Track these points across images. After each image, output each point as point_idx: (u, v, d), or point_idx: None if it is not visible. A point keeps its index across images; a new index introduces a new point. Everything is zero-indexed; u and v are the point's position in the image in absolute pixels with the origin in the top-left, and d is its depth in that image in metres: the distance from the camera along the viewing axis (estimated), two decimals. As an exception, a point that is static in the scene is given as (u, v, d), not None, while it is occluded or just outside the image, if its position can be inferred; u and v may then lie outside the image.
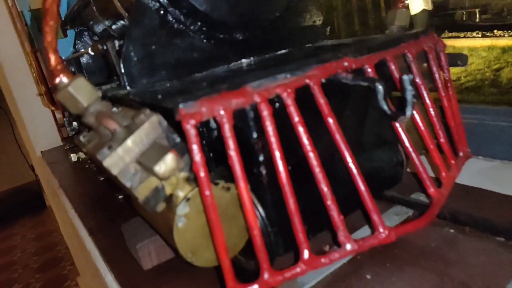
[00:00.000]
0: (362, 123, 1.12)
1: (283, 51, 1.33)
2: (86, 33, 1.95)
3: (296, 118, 0.85)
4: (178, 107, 0.76)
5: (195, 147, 0.74)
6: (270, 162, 0.86)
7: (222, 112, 0.78)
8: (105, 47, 1.15)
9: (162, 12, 1.12)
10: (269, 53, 1.31)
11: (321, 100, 0.88)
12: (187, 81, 1.13)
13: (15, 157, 7.61)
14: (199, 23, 1.15)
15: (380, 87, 0.87)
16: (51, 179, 2.54)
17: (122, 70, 1.07)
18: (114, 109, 0.94)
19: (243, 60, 1.27)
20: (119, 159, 0.76)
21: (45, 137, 3.16)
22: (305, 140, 0.86)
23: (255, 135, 0.90)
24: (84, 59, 1.99)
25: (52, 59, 0.82)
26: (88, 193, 2.06)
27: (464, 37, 9.84)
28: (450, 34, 10.40)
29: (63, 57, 1.98)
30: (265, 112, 0.82)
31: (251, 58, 1.28)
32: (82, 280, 3.90)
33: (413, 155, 0.93)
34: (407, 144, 0.93)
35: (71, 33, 2.00)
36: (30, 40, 2.32)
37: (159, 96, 0.90)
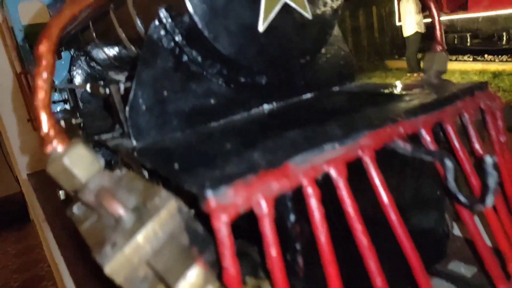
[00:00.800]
0: (410, 192, 0.96)
1: (308, 95, 1.17)
2: (82, 58, 1.75)
3: (348, 202, 0.68)
4: (205, 193, 0.58)
5: (227, 254, 0.56)
6: (308, 250, 0.69)
7: (262, 202, 0.60)
8: (107, 91, 0.97)
9: (177, 52, 0.95)
10: (293, 97, 1.14)
11: (376, 179, 0.72)
12: (203, 133, 0.95)
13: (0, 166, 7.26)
14: (218, 66, 0.98)
15: (450, 165, 0.71)
16: (37, 208, 2.32)
17: (128, 122, 0.89)
18: (117, 171, 0.75)
19: (265, 106, 1.10)
20: (126, 261, 0.58)
21: (33, 159, 2.94)
22: (357, 227, 0.69)
23: (292, 218, 0.73)
24: (77, 78, 1.80)
25: (44, 121, 0.63)
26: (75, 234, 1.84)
27: (456, 60, 9.95)
28: (442, 57, 10.41)
29: (56, 82, 1.79)
30: (312, 198, 0.65)
31: (274, 103, 1.11)
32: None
33: (487, 251, 0.77)
34: (483, 240, 0.77)
35: (66, 54, 1.81)
36: (20, 59, 2.12)
37: (176, 166, 0.72)
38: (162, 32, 0.93)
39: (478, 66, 9.81)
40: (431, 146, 0.80)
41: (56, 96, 1.89)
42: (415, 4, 8.95)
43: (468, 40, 10.19)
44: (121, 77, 1.72)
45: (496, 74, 9.47)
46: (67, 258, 1.65)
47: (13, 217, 7.00)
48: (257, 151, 0.73)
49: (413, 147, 0.75)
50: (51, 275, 5.20)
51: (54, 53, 0.65)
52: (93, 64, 1.72)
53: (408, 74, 10.87)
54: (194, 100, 0.98)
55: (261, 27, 0.93)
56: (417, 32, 9.16)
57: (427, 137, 0.80)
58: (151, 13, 0.97)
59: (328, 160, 0.68)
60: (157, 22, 0.92)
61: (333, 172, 0.68)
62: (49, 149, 0.63)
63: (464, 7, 9.69)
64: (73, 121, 1.15)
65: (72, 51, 1.82)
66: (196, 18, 0.85)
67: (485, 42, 9.98)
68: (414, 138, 0.82)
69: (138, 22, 1.09)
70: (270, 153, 0.70)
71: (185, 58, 0.96)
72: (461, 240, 1.21)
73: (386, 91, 1.09)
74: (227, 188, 0.59)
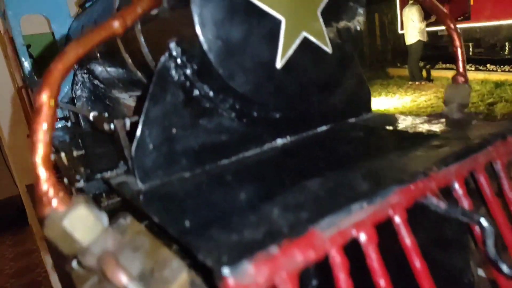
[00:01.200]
0: (433, 238, 0.89)
1: (323, 128, 1.10)
2: (85, 75, 1.69)
3: (379, 272, 0.61)
4: (222, 271, 0.51)
5: None
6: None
7: (286, 280, 0.53)
8: (112, 127, 0.90)
9: (187, 86, 0.88)
10: (308, 130, 1.07)
11: (408, 241, 0.65)
12: (214, 174, 0.88)
13: (-1, 167, 7.15)
14: (231, 101, 0.91)
15: (490, 229, 0.64)
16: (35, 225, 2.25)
17: (134, 163, 0.82)
18: (121, 221, 0.69)
19: (278, 141, 1.03)
20: None
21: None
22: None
23: (314, 283, 0.66)
24: (79, 95, 1.73)
25: (43, 179, 0.56)
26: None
27: (458, 69, 9.88)
28: (444, 66, 10.50)
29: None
30: (341, 272, 0.58)
31: (288, 137, 1.04)
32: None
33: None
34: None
35: None
36: (21, 72, 2.06)
37: (186, 223, 0.65)
38: (173, 67, 0.86)
39: (480, 75, 9.81)
40: (465, 201, 0.73)
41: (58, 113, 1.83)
42: (418, 13, 8.94)
43: (471, 49, 10.19)
44: (125, 95, 1.66)
45: (498, 84, 9.48)
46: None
47: (11, 220, 6.90)
48: (276, 206, 0.66)
49: (448, 205, 0.68)
50: (48, 282, 5.11)
51: (56, 102, 0.58)
52: (96, 82, 1.66)
53: (410, 82, 10.85)
54: (204, 136, 0.91)
55: (278, 64, 0.86)
56: (419, 41, 9.15)
57: (460, 191, 0.74)
58: (159, 42, 0.90)
59: (356, 222, 0.62)
60: (167, 56, 0.85)
61: (362, 237, 0.61)
62: (47, 211, 0.56)
63: (466, 17, 9.70)
64: (75, 153, 1.08)
65: (74, 66, 1.75)
66: (210, 56, 0.78)
67: (487, 51, 9.99)
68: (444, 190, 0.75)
69: (146, 49, 1.02)
70: (291, 211, 0.64)
71: (196, 92, 0.90)
72: (484, 282, 1.13)
73: (407, 127, 1.03)
74: (248, 265, 0.52)
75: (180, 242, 0.62)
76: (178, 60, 0.86)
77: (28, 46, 2.20)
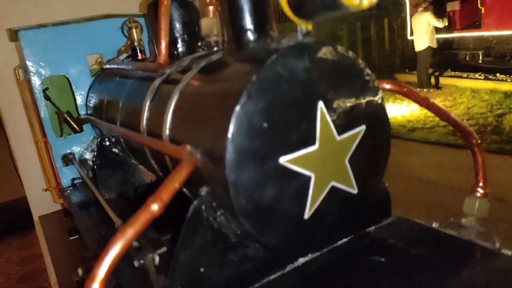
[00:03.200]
0: None
1: (344, 241, 1.12)
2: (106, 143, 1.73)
3: None
4: None
5: None
6: None
7: None
8: (142, 262, 0.93)
9: (216, 226, 0.91)
10: (328, 245, 1.10)
11: None
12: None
13: (7, 168, 7.20)
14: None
15: None
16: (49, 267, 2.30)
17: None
18: None
19: (300, 260, 1.05)
20: None
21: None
22: None
23: None
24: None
25: None
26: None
27: (467, 77, 9.91)
28: (453, 73, 10.44)
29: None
30: None
31: (309, 255, 1.07)
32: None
33: None
34: None
35: None
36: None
37: None
38: (204, 210, 0.89)
39: (489, 85, 9.77)
40: None
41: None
42: (432, 15, 8.90)
43: (480, 58, 10.14)
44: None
45: (507, 95, 9.43)
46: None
47: (17, 222, 6.97)
48: None
49: None
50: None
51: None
52: (115, 150, 1.70)
53: (418, 89, 10.84)
54: (231, 269, 0.94)
55: (306, 215, 0.88)
56: (429, 47, 9.12)
57: None
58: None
59: None
60: (198, 203, 0.87)
61: None
62: None
63: (477, 26, 9.64)
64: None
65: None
66: (241, 219, 0.81)
67: (497, 60, 9.93)
68: None
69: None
70: None
71: (223, 230, 0.92)
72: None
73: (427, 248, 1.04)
74: None
75: None
76: (209, 206, 0.88)
77: (45, 89, 2.23)
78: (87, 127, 2.07)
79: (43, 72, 1.94)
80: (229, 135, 0.76)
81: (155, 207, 0.71)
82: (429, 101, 1.12)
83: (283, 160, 0.82)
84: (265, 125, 0.79)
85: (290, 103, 0.82)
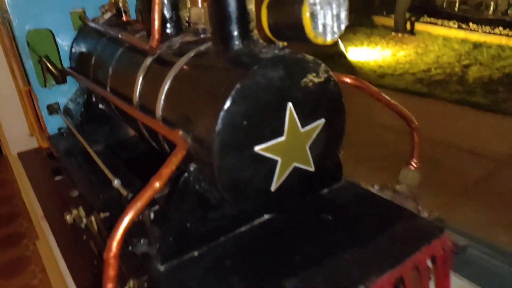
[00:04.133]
0: None
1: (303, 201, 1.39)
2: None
3: None
4: None
5: None
6: None
7: None
8: (140, 217, 1.16)
9: (200, 192, 1.15)
10: (289, 206, 1.36)
11: None
12: (216, 252, 1.18)
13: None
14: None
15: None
16: (34, 204, 2.53)
17: (158, 252, 1.11)
18: None
19: (265, 216, 1.32)
20: None
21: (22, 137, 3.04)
22: None
23: None
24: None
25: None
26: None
27: (442, 25, 10.01)
28: (428, 20, 10.51)
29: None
30: None
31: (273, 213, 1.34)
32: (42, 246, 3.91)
33: None
34: None
35: None
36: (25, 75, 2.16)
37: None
38: (191, 181, 1.12)
39: (461, 34, 9.88)
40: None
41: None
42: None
43: (457, 5, 10.18)
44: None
45: (476, 45, 9.59)
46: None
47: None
48: None
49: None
50: (26, 212, 5.38)
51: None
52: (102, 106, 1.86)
53: (393, 34, 10.84)
54: (210, 224, 1.20)
55: (273, 188, 1.14)
56: (406, -9, 9.09)
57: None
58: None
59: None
60: (187, 176, 1.10)
61: None
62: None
63: (457, -29, 9.50)
64: (102, 215, 1.34)
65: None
66: (223, 192, 1.05)
67: (473, 9, 10.00)
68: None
69: (165, 145, 1.26)
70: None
71: (206, 195, 1.17)
72: None
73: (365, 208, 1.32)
74: None
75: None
76: (196, 178, 1.11)
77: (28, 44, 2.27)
78: (70, 78, 2.18)
79: (27, 27, 2.00)
80: (216, 131, 0.98)
81: (157, 184, 0.94)
82: (380, 94, 1.35)
83: (257, 148, 1.06)
84: (245, 123, 1.01)
85: (265, 105, 1.03)
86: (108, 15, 1.94)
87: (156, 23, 1.24)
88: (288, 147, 1.10)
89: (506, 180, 5.01)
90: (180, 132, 1.06)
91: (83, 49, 2.01)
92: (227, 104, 0.97)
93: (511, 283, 1.63)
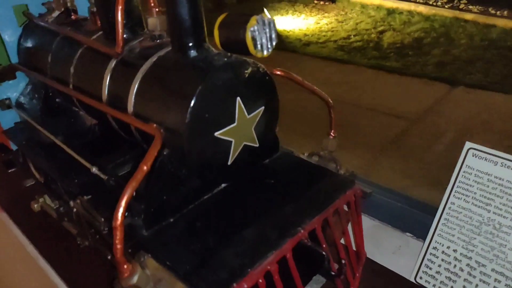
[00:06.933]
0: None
1: (250, 170, 1.75)
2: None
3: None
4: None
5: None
6: None
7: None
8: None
9: (173, 171, 1.45)
10: (241, 175, 1.70)
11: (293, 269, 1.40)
12: (188, 217, 1.51)
13: None
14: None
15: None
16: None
17: (143, 222, 1.41)
18: (142, 258, 1.33)
19: (222, 185, 1.66)
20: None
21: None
22: None
23: None
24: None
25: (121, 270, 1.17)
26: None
27: (359, -10, 10.51)
28: (348, -15, 10.93)
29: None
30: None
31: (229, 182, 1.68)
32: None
33: None
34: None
35: None
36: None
37: (187, 266, 1.31)
38: (166, 164, 1.42)
39: (377, 1, 10.48)
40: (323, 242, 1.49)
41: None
42: None
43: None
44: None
45: (390, 12, 10.27)
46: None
47: None
48: (229, 253, 1.34)
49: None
50: None
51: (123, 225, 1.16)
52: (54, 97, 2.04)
53: (315, 2, 11.28)
54: (181, 196, 1.52)
55: (229, 162, 1.48)
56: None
57: (320, 234, 1.49)
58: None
59: (269, 262, 1.34)
60: (162, 159, 1.41)
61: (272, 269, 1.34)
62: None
63: None
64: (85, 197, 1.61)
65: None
66: (192, 169, 1.38)
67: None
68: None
69: (136, 133, 1.54)
70: (238, 257, 1.33)
71: (177, 172, 1.48)
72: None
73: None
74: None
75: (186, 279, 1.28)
76: (168, 160, 1.42)
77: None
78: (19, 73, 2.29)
79: None
80: (186, 123, 1.29)
81: (145, 167, 1.24)
82: (303, 81, 1.73)
83: (217, 134, 1.39)
84: (206, 115, 1.33)
85: (220, 100, 1.36)
86: (56, 13, 2.07)
87: (120, 32, 1.49)
88: (239, 130, 1.45)
89: (417, 137, 5.79)
90: (155, 125, 1.35)
91: (34, 47, 2.14)
92: (193, 102, 1.28)
93: (408, 218, 2.16)
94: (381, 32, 9.95)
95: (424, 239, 1.98)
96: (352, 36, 9.78)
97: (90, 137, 2.16)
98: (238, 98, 1.41)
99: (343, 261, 1.47)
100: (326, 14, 11.03)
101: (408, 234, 2.14)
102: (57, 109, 2.12)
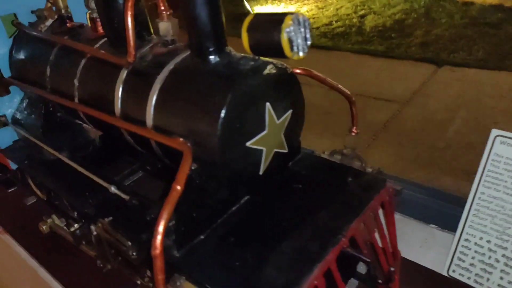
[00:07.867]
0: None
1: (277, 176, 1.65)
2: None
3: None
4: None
5: None
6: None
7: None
8: (152, 216, 1.34)
9: (200, 186, 1.36)
10: (270, 182, 1.61)
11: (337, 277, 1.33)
12: (219, 232, 1.41)
13: None
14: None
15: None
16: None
17: (173, 242, 1.31)
18: (177, 282, 1.24)
19: (246, 197, 1.57)
20: None
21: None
22: None
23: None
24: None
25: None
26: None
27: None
28: (326, -28, 10.90)
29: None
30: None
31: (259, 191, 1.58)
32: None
33: None
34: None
35: None
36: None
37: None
38: (194, 179, 1.32)
39: (357, -14, 10.30)
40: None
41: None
42: None
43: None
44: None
45: (370, -5, 10.16)
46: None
47: None
48: (271, 269, 1.27)
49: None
50: None
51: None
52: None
53: (295, -11, 11.09)
54: (209, 210, 1.43)
55: (261, 172, 1.39)
56: None
57: (360, 240, 1.43)
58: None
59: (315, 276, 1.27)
60: (190, 175, 1.30)
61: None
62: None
63: None
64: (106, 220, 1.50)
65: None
66: (224, 183, 1.29)
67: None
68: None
69: (159, 151, 1.44)
70: (283, 273, 1.25)
71: (205, 186, 1.38)
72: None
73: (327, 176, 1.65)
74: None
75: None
76: (197, 175, 1.32)
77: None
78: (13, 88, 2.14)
79: None
80: (218, 135, 1.19)
81: (178, 187, 1.14)
82: (326, 78, 1.64)
83: (248, 144, 1.30)
84: (237, 125, 1.23)
85: (250, 108, 1.26)
86: (50, 22, 1.93)
87: (132, 41, 1.37)
88: (269, 138, 1.36)
89: (408, 119, 5.80)
90: (181, 140, 1.25)
91: (29, 59, 1.99)
92: (223, 112, 1.18)
93: (431, 209, 2.12)
94: (362, 16, 9.93)
95: (449, 229, 1.93)
96: (334, 22, 9.74)
97: (91, 149, 2.04)
98: (268, 104, 1.31)
99: (392, 269, 1.40)
100: (305, 1, 10.98)
101: (432, 225, 2.10)
102: (59, 124, 1.99)
